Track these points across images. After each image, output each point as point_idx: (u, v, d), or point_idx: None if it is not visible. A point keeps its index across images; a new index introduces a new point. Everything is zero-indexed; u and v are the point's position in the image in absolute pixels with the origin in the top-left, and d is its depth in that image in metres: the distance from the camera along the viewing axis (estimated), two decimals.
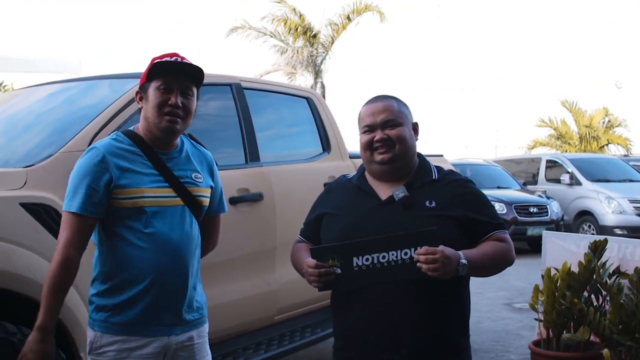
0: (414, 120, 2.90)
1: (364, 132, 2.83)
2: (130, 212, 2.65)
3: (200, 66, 2.80)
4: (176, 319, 2.73)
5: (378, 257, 2.57)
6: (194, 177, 2.82)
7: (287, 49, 24.65)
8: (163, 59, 2.75)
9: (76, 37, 34.17)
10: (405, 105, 2.90)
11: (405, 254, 2.55)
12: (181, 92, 2.74)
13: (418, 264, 2.51)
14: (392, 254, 2.56)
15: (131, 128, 2.85)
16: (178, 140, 2.86)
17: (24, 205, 3.16)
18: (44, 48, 34.00)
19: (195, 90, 2.82)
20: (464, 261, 2.56)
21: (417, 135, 2.90)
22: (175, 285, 2.70)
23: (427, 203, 2.73)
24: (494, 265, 2.75)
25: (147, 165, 2.72)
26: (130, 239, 2.65)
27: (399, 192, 2.74)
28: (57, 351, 3.09)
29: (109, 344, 2.65)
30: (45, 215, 3.21)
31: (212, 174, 2.96)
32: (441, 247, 2.51)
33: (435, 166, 2.92)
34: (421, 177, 2.82)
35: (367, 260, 2.58)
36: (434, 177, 2.83)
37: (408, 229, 2.60)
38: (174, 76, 2.73)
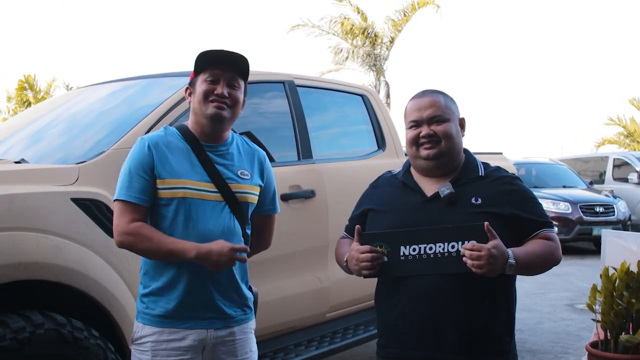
0: (461, 116, 2.86)
1: (410, 127, 2.81)
2: (171, 203, 2.69)
3: (244, 55, 2.83)
4: (216, 313, 2.75)
5: (425, 248, 2.56)
6: (239, 174, 2.83)
7: (341, 49, 24.56)
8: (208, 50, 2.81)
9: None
10: (452, 100, 2.86)
11: (453, 247, 2.53)
12: (227, 83, 2.79)
13: (464, 259, 2.48)
14: (440, 246, 2.55)
15: (183, 123, 2.90)
16: (228, 135, 2.89)
17: (75, 201, 3.22)
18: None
19: (241, 82, 2.85)
20: (512, 261, 2.51)
21: (464, 131, 2.86)
22: (213, 279, 2.72)
23: (472, 200, 2.70)
24: (541, 265, 2.70)
25: (191, 158, 2.76)
26: (170, 229, 2.69)
27: (445, 189, 2.71)
28: (106, 343, 3.16)
29: (148, 335, 2.70)
30: (95, 210, 3.27)
31: (262, 173, 2.96)
32: (490, 244, 2.45)
33: (482, 162, 2.87)
34: (467, 174, 2.79)
35: (414, 250, 2.58)
36: (480, 174, 2.80)
37: None
38: (220, 68, 2.78)
